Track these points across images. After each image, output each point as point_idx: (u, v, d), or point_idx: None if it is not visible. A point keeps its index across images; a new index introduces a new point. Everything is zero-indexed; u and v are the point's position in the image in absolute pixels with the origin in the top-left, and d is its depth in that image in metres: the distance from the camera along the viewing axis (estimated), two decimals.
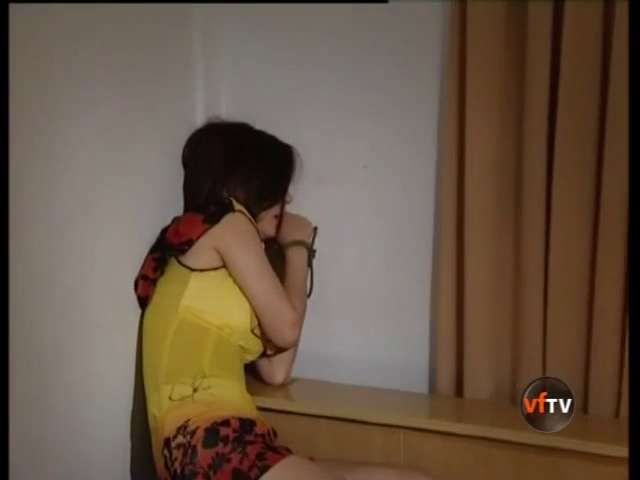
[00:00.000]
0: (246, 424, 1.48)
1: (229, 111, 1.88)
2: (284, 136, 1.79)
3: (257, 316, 1.62)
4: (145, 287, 1.64)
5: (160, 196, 1.74)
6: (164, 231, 1.67)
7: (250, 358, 1.70)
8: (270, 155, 1.74)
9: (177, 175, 1.76)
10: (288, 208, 1.79)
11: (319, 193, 1.90)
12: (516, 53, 1.64)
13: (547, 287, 1.66)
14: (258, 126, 1.78)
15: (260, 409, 1.63)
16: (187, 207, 1.73)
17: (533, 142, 1.62)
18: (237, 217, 1.60)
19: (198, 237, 1.57)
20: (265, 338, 1.65)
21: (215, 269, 1.59)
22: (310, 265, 1.79)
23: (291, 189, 1.77)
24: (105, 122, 1.54)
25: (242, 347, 1.64)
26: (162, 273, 1.64)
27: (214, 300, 1.59)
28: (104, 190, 1.55)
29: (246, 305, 1.61)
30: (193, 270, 1.58)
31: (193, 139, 1.77)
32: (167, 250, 1.63)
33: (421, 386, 1.88)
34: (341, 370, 1.89)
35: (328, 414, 1.70)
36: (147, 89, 1.68)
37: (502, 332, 1.74)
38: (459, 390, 1.79)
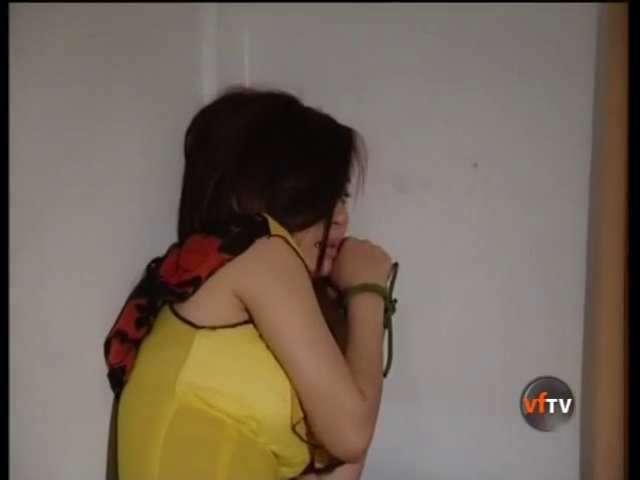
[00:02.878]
0: None
1: (254, 78, 1.63)
2: (343, 117, 1.51)
3: (302, 405, 1.31)
4: (121, 352, 1.34)
5: (149, 210, 1.47)
6: (156, 265, 1.40)
7: (289, 474, 1.39)
8: (314, 140, 1.47)
9: (178, 176, 1.51)
10: (349, 231, 1.53)
11: (400, 206, 1.65)
12: None
13: None
14: (303, 102, 1.51)
15: None
16: (183, 223, 1.49)
17: None
18: (275, 245, 1.34)
19: (210, 274, 1.29)
20: (314, 442, 1.34)
21: (235, 326, 1.30)
22: (388, 325, 1.51)
23: (349, 199, 1.53)
24: (60, 94, 1.27)
25: (276, 455, 1.33)
26: (149, 330, 1.34)
27: (232, 376, 1.29)
28: (57, 201, 1.28)
29: (285, 386, 1.30)
30: (199, 327, 1.29)
31: (199, 119, 1.52)
32: (159, 294, 1.35)
33: None
34: None
35: None
36: (130, 44, 1.42)
37: None
38: None
